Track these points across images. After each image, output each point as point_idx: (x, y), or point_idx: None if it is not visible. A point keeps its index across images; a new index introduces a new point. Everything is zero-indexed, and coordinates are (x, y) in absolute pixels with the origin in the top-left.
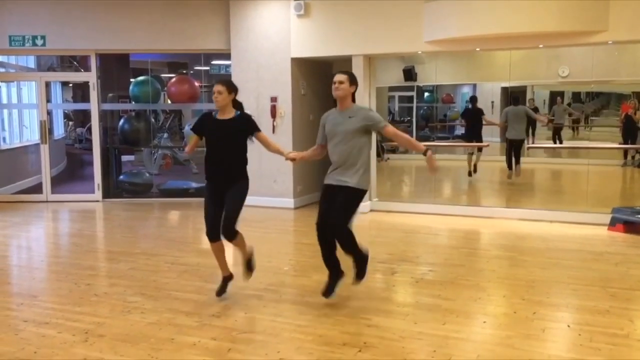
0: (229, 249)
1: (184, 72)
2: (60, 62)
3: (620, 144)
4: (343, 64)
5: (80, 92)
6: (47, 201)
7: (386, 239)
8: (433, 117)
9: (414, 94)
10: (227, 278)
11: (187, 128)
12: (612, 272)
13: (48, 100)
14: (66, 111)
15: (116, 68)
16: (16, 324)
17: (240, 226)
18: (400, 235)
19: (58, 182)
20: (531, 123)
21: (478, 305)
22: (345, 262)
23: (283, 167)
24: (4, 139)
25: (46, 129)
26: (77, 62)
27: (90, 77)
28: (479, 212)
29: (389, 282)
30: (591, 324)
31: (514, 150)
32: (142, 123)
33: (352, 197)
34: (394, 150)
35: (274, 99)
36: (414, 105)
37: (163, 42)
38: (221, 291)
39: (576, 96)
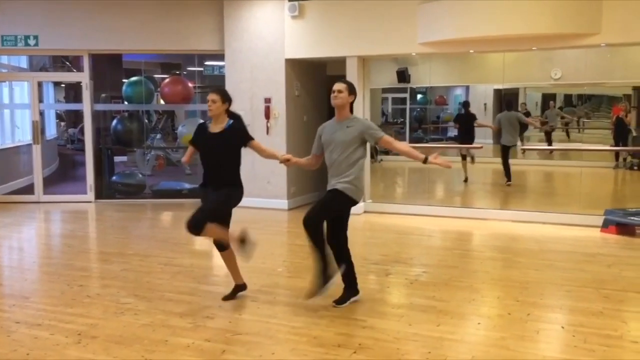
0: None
1: (177, 72)
2: (53, 62)
3: (611, 146)
4: (337, 65)
5: (72, 92)
6: (39, 202)
7: (380, 240)
8: (426, 119)
9: (407, 95)
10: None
11: (180, 129)
12: (605, 274)
13: (40, 101)
14: (58, 111)
15: (109, 68)
16: (8, 325)
17: (233, 228)
18: (393, 237)
19: (50, 183)
20: (523, 128)
21: (472, 306)
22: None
23: (277, 169)
24: None
25: (38, 129)
26: (69, 62)
27: (83, 77)
28: (472, 213)
29: (383, 284)
30: (585, 325)
31: (505, 154)
32: (135, 124)
33: (333, 197)
34: (387, 152)
35: (267, 100)
36: (407, 106)
37: (156, 43)
38: (229, 297)
39: (568, 99)
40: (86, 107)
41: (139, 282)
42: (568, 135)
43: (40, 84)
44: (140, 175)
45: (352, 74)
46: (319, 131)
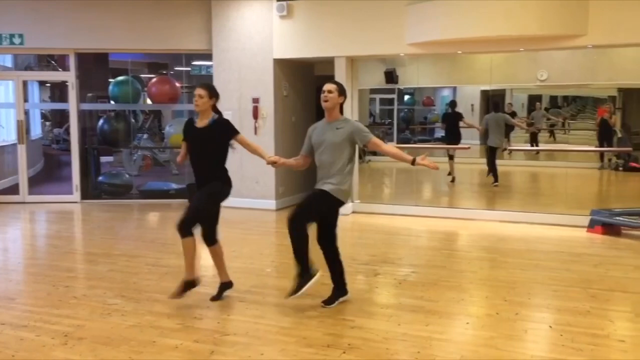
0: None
1: (164, 72)
2: (38, 61)
3: (596, 147)
4: (325, 65)
5: (57, 91)
6: (24, 202)
7: (368, 241)
8: (413, 120)
9: (394, 96)
10: (225, 284)
11: (168, 129)
12: (591, 274)
13: (25, 100)
14: (43, 111)
15: (95, 68)
16: None
17: (221, 228)
18: (382, 237)
19: (35, 183)
20: (509, 129)
21: (460, 306)
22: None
23: (265, 169)
24: None
25: (23, 129)
26: (55, 61)
27: (69, 76)
28: (460, 214)
29: (372, 284)
30: (572, 324)
31: (491, 156)
32: (121, 123)
33: (319, 198)
34: (375, 152)
35: (256, 100)
36: (395, 107)
37: (143, 42)
38: (216, 297)
39: (553, 100)
40: (72, 106)
41: (126, 283)
42: (553, 136)
43: (25, 83)
44: (127, 176)
45: (341, 74)
46: (309, 132)
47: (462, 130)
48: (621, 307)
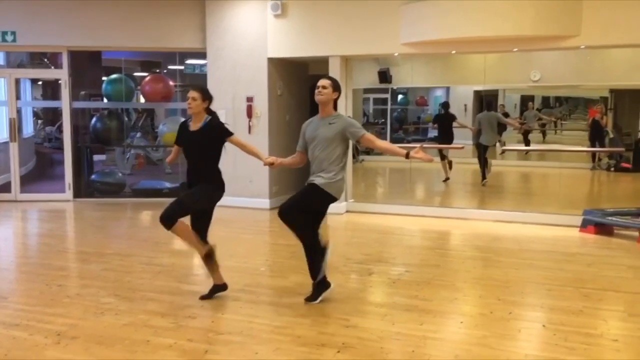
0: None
1: (157, 71)
2: (31, 58)
3: (588, 148)
4: (319, 64)
5: (50, 89)
6: (16, 200)
7: (362, 240)
8: (407, 120)
9: (388, 96)
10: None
11: (161, 127)
12: (584, 273)
13: (17, 98)
14: (35, 109)
15: (88, 66)
16: None
17: (215, 227)
18: (376, 236)
19: (27, 182)
20: (501, 128)
21: (454, 305)
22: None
23: (258, 168)
24: None
25: (15, 127)
26: (47, 59)
27: (62, 74)
28: (453, 213)
29: (366, 283)
30: (566, 323)
31: (483, 153)
32: (114, 122)
33: (310, 191)
34: (368, 152)
35: (250, 99)
36: (388, 107)
37: (137, 40)
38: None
39: (546, 101)
40: (65, 104)
41: (119, 282)
42: (544, 136)
43: (17, 81)
44: (120, 174)
45: (335, 73)
46: (304, 127)
47: (455, 131)
48: (614, 306)
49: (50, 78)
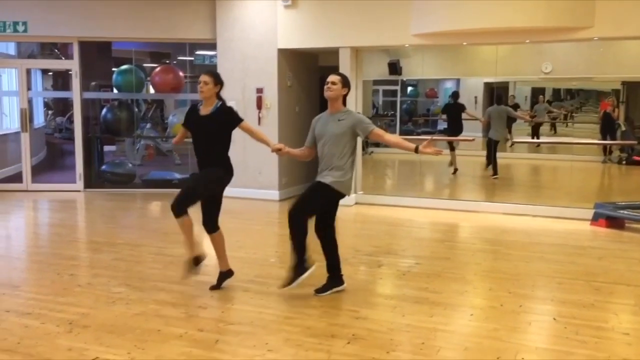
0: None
1: (167, 62)
2: (41, 49)
3: (599, 140)
4: (329, 56)
5: (60, 80)
6: (27, 190)
7: (371, 232)
8: (416, 112)
9: (398, 88)
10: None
11: (171, 118)
12: (595, 266)
13: (29, 88)
14: (45, 100)
15: (98, 56)
16: None
17: (224, 218)
18: (385, 228)
19: (38, 172)
20: (511, 120)
21: (464, 298)
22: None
23: (268, 159)
24: None
25: (27, 117)
26: (57, 49)
27: (73, 64)
28: (463, 205)
29: (376, 275)
30: (576, 317)
31: (493, 148)
32: (124, 113)
33: (320, 190)
34: (377, 144)
35: (259, 90)
36: (398, 99)
37: (147, 31)
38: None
39: (556, 93)
40: (75, 95)
41: (130, 272)
42: (555, 129)
43: (28, 71)
44: (130, 165)
45: (345, 65)
46: (313, 123)
47: (464, 123)
48: (625, 299)
49: (60, 68)
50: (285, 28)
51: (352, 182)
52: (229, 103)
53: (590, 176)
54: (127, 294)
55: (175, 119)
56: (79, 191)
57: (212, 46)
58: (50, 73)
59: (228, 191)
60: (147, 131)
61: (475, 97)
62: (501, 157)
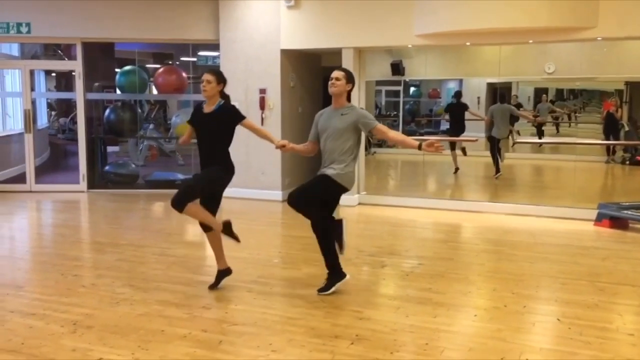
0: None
1: (170, 63)
2: (44, 50)
3: (602, 141)
4: (333, 56)
5: (63, 81)
6: (30, 191)
7: (374, 232)
8: (419, 112)
9: (400, 88)
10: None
11: (174, 119)
12: (599, 267)
13: (32, 89)
14: (49, 100)
15: (101, 57)
16: (2, 314)
17: (226, 218)
18: (388, 229)
19: (41, 173)
20: (513, 120)
21: (468, 298)
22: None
23: (271, 159)
24: None
25: (30, 118)
26: (61, 50)
27: (76, 65)
28: (466, 206)
29: (379, 275)
30: (581, 317)
31: (495, 146)
32: (127, 113)
33: (321, 181)
34: (380, 144)
35: (262, 91)
36: (401, 99)
37: (150, 32)
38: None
39: (559, 93)
40: (79, 96)
41: (133, 273)
42: (557, 129)
43: (32, 72)
44: (133, 166)
45: (348, 65)
46: (316, 118)
47: (467, 123)
48: (629, 300)
49: (64, 69)
50: (288, 29)
51: (354, 177)
52: (232, 103)
53: (593, 176)
54: (130, 294)
55: (178, 119)
56: (82, 192)
57: (215, 47)
58: (54, 74)
59: (231, 191)
60: (150, 132)
61: (478, 98)
62: (506, 157)
